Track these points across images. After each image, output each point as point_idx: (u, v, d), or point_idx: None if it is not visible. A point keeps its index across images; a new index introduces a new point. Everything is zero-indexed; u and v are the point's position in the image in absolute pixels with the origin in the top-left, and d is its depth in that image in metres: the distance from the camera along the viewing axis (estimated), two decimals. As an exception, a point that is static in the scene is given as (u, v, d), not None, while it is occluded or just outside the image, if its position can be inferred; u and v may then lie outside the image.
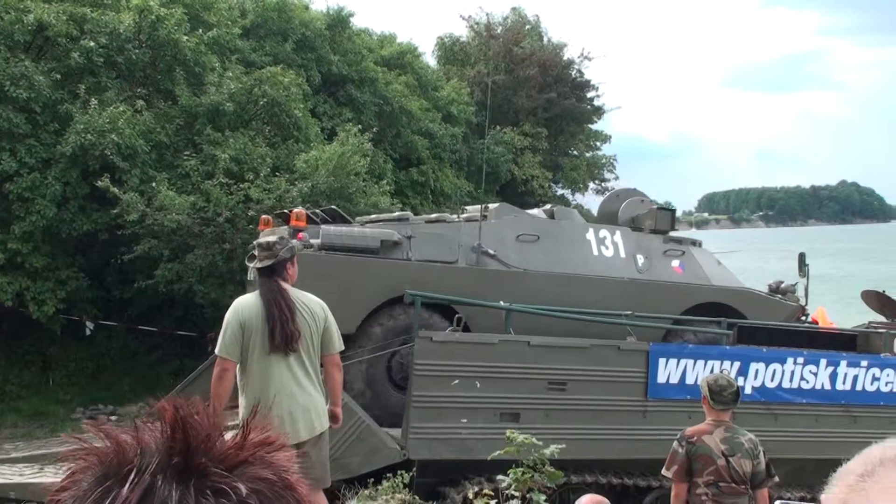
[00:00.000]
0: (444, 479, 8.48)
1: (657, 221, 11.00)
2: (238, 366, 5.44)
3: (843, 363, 9.80)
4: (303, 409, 5.47)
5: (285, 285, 5.57)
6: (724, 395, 5.70)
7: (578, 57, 26.44)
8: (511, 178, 23.26)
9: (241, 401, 5.52)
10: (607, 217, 11.50)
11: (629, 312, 9.43)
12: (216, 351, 5.48)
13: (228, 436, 0.90)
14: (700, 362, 9.06)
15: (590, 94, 26.60)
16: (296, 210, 9.44)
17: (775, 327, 10.19)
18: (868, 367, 9.87)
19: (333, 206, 11.12)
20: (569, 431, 8.37)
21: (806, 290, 11.70)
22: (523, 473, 6.55)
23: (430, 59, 26.10)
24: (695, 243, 11.27)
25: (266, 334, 5.37)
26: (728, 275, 11.15)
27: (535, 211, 11.26)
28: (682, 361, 9.13)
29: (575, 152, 27.29)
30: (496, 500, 6.90)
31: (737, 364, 9.29)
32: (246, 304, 5.50)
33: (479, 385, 8.45)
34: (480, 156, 22.66)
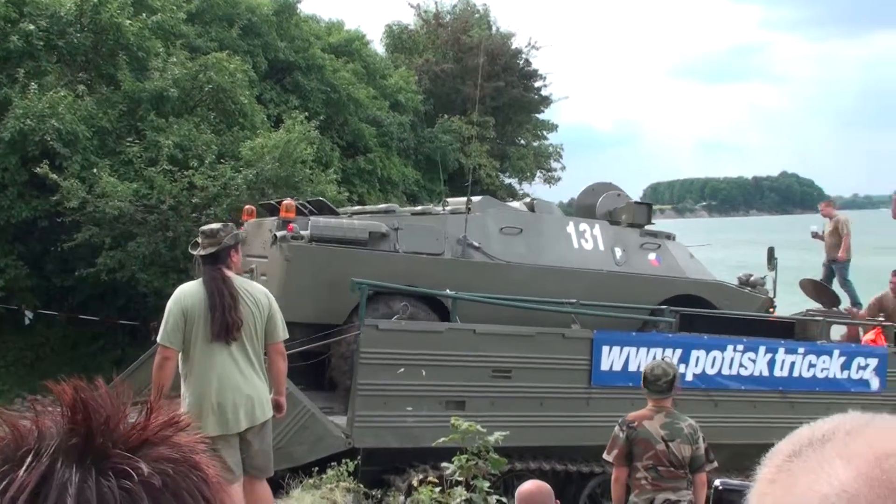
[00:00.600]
0: (389, 467, 8.50)
1: (634, 215, 11.26)
2: (180, 354, 5.40)
3: (781, 350, 10.01)
4: (245, 397, 5.45)
5: (229, 273, 5.53)
6: (658, 384, 5.81)
7: (526, 46, 26.54)
8: (459, 167, 23.30)
9: (184, 390, 5.48)
10: (584, 210, 11.71)
11: (574, 300, 9.54)
12: (158, 339, 5.44)
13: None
14: (643, 350, 9.19)
15: (537, 84, 26.71)
16: (285, 202, 9.45)
17: (716, 315, 10.38)
18: (805, 354, 10.10)
19: (320, 198, 11.15)
20: (513, 419, 8.44)
21: (774, 282, 12.11)
22: (467, 460, 6.60)
23: (378, 47, 26.02)
24: (669, 237, 11.52)
25: (209, 322, 5.34)
26: (701, 267, 11.50)
27: (515, 204, 11.49)
28: (626, 349, 9.25)
29: (522, 141, 27.40)
30: (441, 488, 6.93)
31: (679, 351, 9.44)
32: (188, 292, 5.45)
33: (424, 373, 8.47)
34: (428, 144, 22.68)
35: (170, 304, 5.45)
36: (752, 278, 11.91)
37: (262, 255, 9.54)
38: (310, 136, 14.40)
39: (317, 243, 9.10)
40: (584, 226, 10.69)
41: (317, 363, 9.40)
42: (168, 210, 12.82)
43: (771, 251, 12.32)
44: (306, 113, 15.92)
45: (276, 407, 5.73)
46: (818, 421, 0.84)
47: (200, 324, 5.34)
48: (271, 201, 11.21)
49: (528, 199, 12.04)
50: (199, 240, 5.62)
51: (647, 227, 11.37)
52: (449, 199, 11.49)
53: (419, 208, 11.06)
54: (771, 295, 11.84)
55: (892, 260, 12.84)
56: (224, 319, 5.33)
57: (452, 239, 9.77)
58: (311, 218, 9.33)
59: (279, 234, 9.02)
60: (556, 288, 9.80)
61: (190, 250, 6.10)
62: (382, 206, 11.35)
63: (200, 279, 5.52)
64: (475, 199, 10.51)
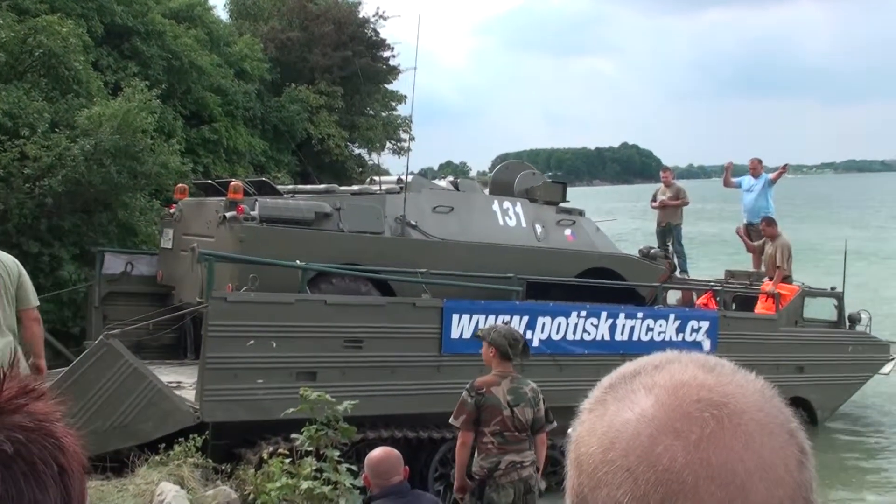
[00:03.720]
0: (240, 440, 8.43)
1: (550, 193, 11.97)
2: None
3: (622, 315, 10.45)
4: None
5: None
6: (517, 349, 6.00)
7: (374, 16, 26.38)
8: (307, 137, 23.00)
9: None
10: (500, 187, 12.26)
11: (423, 270, 9.68)
12: None
13: None
14: (491, 317, 9.40)
15: (385, 54, 26.62)
16: (233, 182, 9.63)
17: (563, 283, 10.75)
18: (643, 319, 10.58)
19: (263, 178, 11.50)
20: (365, 388, 8.51)
21: (684, 256, 13.57)
22: (317, 431, 6.61)
23: (221, 13, 25.27)
24: (581, 213, 12.21)
25: None
26: (608, 241, 12.30)
27: (442, 182, 12.00)
28: (475, 317, 9.44)
29: (371, 112, 27.29)
30: (291, 459, 6.92)
31: (526, 318, 9.71)
32: None
33: (275, 345, 8.42)
34: (275, 114, 22.28)
35: None
36: (651, 251, 12.76)
37: (205, 234, 9.66)
38: (151, 105, 13.87)
39: (267, 224, 9.32)
40: (507, 204, 11.28)
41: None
42: (-3, 181, 12.13)
43: (669, 226, 13.47)
44: (147, 81, 15.32)
45: (36, 370, 5.81)
46: (637, 358, 0.94)
47: None
48: (208, 181, 11.65)
49: (451, 178, 12.63)
50: None
51: (561, 205, 12.00)
52: (375, 178, 11.90)
53: (356, 188, 11.46)
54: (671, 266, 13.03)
55: (721, 226, 13.65)
56: None
57: (391, 218, 10.20)
58: (259, 199, 9.55)
59: (229, 214, 9.18)
60: (489, 263, 10.32)
61: None
62: (321, 185, 11.74)
63: None
64: (405, 178, 10.88)
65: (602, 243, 12.02)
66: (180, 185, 11.28)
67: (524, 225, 11.26)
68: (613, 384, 0.90)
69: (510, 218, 11.18)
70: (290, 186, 11.12)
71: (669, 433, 0.81)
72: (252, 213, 9.30)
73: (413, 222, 10.32)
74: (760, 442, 0.81)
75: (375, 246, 9.95)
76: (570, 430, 0.93)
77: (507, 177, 12.36)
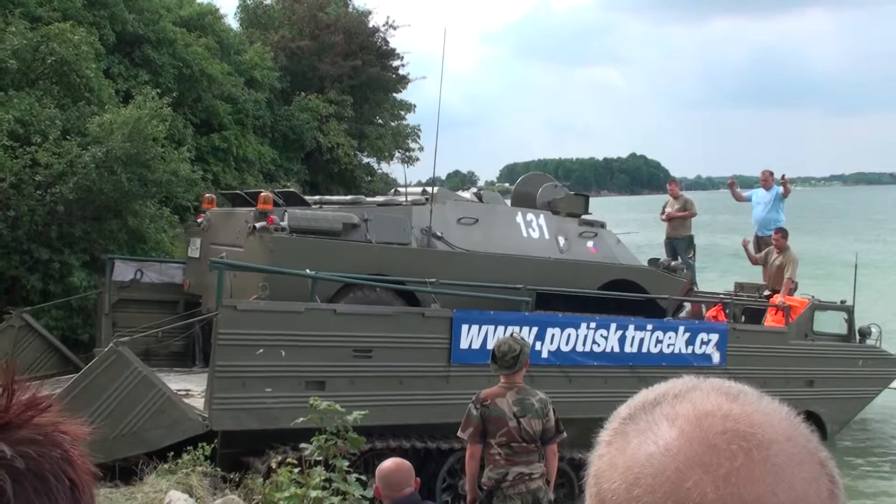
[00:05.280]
0: (248, 449, 8.41)
1: (572, 205, 12.08)
2: None
3: (632, 327, 10.42)
4: None
5: None
6: (505, 360, 5.95)
7: (384, 25, 26.42)
8: (316, 146, 23.03)
9: None
10: (521, 199, 12.38)
11: (433, 280, 9.68)
12: None
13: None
14: (500, 328, 9.38)
15: (395, 63, 26.66)
16: (263, 193, 9.72)
17: (571, 294, 10.72)
18: (653, 331, 10.55)
19: (291, 189, 11.61)
20: (374, 398, 8.49)
21: (693, 268, 13.23)
22: (326, 440, 6.59)
23: (232, 22, 25.35)
24: (603, 225, 12.27)
25: None
26: (628, 254, 12.37)
27: (465, 194, 12.03)
28: (484, 327, 9.43)
29: (380, 121, 27.31)
30: (300, 469, 6.90)
31: (535, 329, 9.69)
32: None
33: (284, 354, 8.42)
34: (285, 122, 22.32)
35: None
36: (672, 263, 12.72)
37: (234, 244, 9.74)
38: (162, 113, 13.90)
39: (296, 234, 9.42)
40: (530, 216, 11.36)
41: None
42: (9, 188, 12.16)
43: (690, 239, 13.35)
44: (158, 89, 15.37)
45: None
46: (656, 385, 0.91)
47: None
48: (236, 191, 11.70)
49: (475, 190, 12.72)
50: None
51: (583, 217, 12.08)
52: (399, 189, 11.95)
53: (382, 199, 11.62)
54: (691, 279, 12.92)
55: (730, 238, 13.61)
56: None
57: (417, 229, 10.28)
58: (288, 209, 9.65)
59: (259, 225, 9.30)
60: (513, 275, 10.34)
61: None
62: (348, 196, 11.88)
63: None
64: (429, 189, 11.04)
65: (623, 255, 12.12)
66: (208, 195, 11.46)
67: (547, 237, 11.36)
68: (633, 415, 0.87)
69: (533, 230, 11.28)
70: (317, 197, 11.25)
71: (697, 467, 0.78)
72: (282, 223, 9.40)
73: (439, 233, 10.42)
74: (791, 473, 0.79)
75: (402, 257, 10.03)
76: (588, 459, 0.91)
77: (529, 189, 12.49)
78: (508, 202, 12.48)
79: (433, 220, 10.31)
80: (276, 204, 9.72)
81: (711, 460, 0.78)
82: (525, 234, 11.18)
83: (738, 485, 0.77)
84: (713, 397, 0.85)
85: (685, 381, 0.89)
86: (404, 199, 10.99)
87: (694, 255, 13.30)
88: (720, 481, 0.77)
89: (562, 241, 11.47)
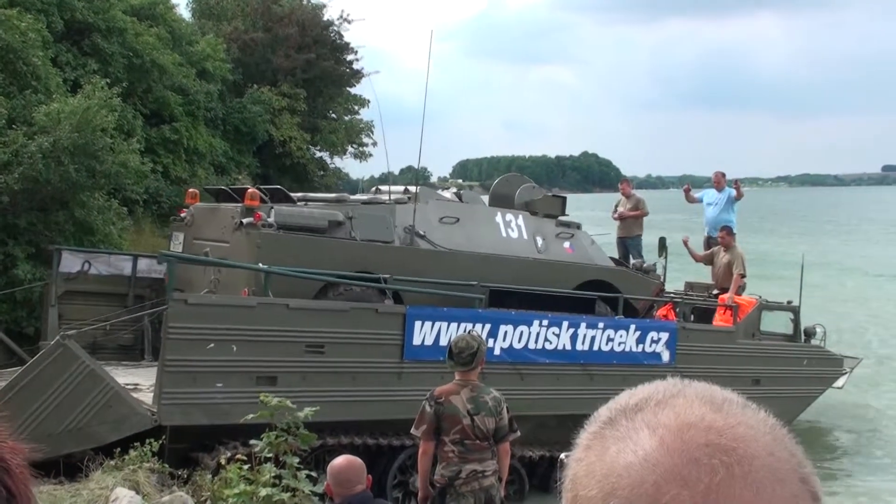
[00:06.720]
0: (197, 445, 8.32)
1: (550, 207, 12.26)
2: None
3: (583, 325, 10.48)
4: None
5: None
6: (461, 357, 5.96)
7: (338, 19, 26.27)
8: (269, 139, 22.84)
9: None
10: (499, 200, 12.52)
11: (388, 276, 9.67)
12: None
13: None
14: (454, 325, 9.38)
15: (349, 57, 26.52)
16: (250, 190, 9.81)
17: (524, 291, 10.76)
18: (604, 329, 10.62)
19: (278, 186, 11.64)
20: (325, 394, 8.45)
21: (664, 268, 13.26)
22: (276, 437, 6.54)
23: (184, 13, 25.01)
24: (579, 227, 12.40)
25: None
26: (602, 254, 12.55)
27: (446, 193, 12.16)
28: (437, 324, 9.42)
29: (334, 115, 27.16)
30: (250, 465, 6.84)
31: (488, 326, 9.70)
32: None
33: (235, 348, 8.33)
34: (237, 115, 22.09)
35: None
36: (644, 265, 12.90)
37: (219, 239, 9.76)
38: (111, 103, 13.66)
39: (283, 231, 9.47)
40: (509, 216, 11.49)
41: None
42: (-48, 177, 11.88)
43: (662, 241, 13.39)
44: (107, 78, 15.10)
45: None
46: (638, 387, 0.88)
47: None
48: (221, 187, 11.83)
49: (454, 189, 12.93)
50: None
51: (560, 218, 12.22)
52: (384, 188, 11.95)
53: (366, 197, 11.67)
54: (662, 279, 13.02)
55: (679, 237, 13.75)
56: None
57: (400, 227, 10.36)
58: (275, 206, 9.69)
59: (246, 221, 9.33)
60: (493, 274, 10.49)
61: None
62: (333, 194, 11.97)
63: None
64: (411, 188, 11.17)
65: (598, 256, 12.31)
66: (192, 189, 11.46)
67: (525, 237, 11.49)
68: (613, 419, 0.85)
69: (512, 230, 11.41)
70: (301, 194, 11.27)
71: (676, 481, 0.76)
72: (269, 219, 9.43)
73: (421, 232, 10.48)
74: (772, 490, 0.77)
75: (386, 255, 10.10)
76: (563, 458, 0.89)
77: (506, 190, 12.63)
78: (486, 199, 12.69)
79: (416, 219, 10.37)
80: (262, 201, 9.73)
81: (691, 474, 0.76)
82: (504, 234, 11.31)
83: (717, 501, 0.75)
84: (697, 406, 0.82)
85: (669, 386, 0.87)
86: (388, 197, 11.04)
87: (666, 255, 13.34)
88: (699, 497, 0.75)
89: (539, 241, 11.61)
